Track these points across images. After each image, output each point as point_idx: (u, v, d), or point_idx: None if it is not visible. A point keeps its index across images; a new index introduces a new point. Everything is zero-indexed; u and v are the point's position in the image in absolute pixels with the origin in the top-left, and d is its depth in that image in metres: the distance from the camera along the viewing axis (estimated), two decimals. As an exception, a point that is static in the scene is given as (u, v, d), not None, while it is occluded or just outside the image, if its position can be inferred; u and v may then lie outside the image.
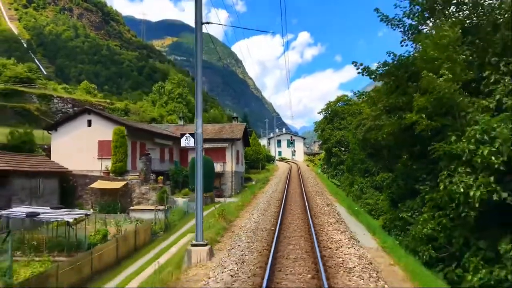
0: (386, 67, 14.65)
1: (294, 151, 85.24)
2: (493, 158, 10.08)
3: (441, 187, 11.73)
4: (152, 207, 23.87)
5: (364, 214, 19.93)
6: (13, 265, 13.17)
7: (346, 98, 44.99)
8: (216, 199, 29.34)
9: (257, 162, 54.05)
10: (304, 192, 25.57)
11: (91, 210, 19.37)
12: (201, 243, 11.48)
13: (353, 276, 8.57)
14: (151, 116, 58.90)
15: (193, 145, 12.75)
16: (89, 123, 28.36)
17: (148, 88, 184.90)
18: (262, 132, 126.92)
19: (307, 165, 66.45)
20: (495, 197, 9.90)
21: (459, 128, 12.10)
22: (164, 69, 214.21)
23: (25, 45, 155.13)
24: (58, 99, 53.65)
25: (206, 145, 33.86)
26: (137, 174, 27.18)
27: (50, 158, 27.90)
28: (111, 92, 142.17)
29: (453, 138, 11.71)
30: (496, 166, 10.00)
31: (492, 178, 10.13)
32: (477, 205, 10.05)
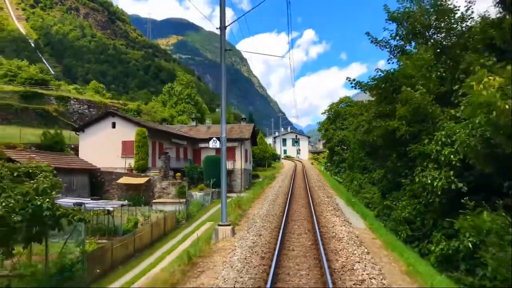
0: (375, 82, 17.85)
1: (299, 149, 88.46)
2: (452, 156, 13.24)
3: (416, 180, 14.92)
4: (172, 200, 27.21)
5: (360, 206, 23.13)
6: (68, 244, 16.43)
7: (348, 99, 48.09)
8: (228, 194, 32.58)
9: (263, 160, 57.37)
10: (308, 187, 28.81)
11: (126, 201, 22.68)
12: (226, 223, 14.75)
13: (341, 243, 11.82)
14: (162, 116, 62.26)
15: (219, 146, 15.97)
16: (113, 125, 31.74)
17: (154, 87, 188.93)
18: (267, 130, 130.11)
19: (312, 163, 69.65)
20: (453, 186, 13.08)
21: (431, 132, 15.25)
22: (169, 68, 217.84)
23: (32, 45, 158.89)
24: (75, 100, 57.13)
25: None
26: (158, 171, 30.54)
27: (78, 157, 31.33)
28: (118, 91, 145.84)
29: (426, 141, 14.89)
30: (453, 162, 13.17)
31: (451, 172, 13.30)
32: (439, 192, 13.25)
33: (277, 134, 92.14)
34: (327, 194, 25.44)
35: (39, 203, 9.69)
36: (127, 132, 31.17)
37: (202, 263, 11.18)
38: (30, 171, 11.27)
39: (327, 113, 47.43)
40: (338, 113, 45.91)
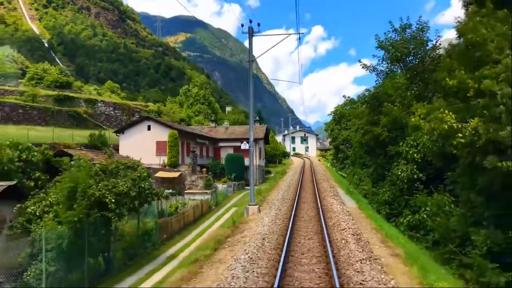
0: (365, 98, 23.64)
1: (307, 147, 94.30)
2: (415, 155, 19.03)
3: (393, 172, 20.73)
4: (201, 191, 33.26)
5: (357, 194, 28.94)
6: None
7: (352, 101, 53.73)
8: (246, 187, 38.66)
9: (275, 157, 63.34)
10: (314, 180, 34.67)
11: (171, 190, 28.77)
12: (254, 203, 20.71)
13: (335, 214, 17.74)
14: (180, 116, 68.37)
15: (247, 147, 21.85)
16: (149, 128, 37.88)
17: (164, 85, 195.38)
18: (277, 129, 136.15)
19: (319, 160, 75.47)
20: (415, 176, 18.89)
21: (405, 137, 21.03)
22: (179, 66, 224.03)
23: (46, 45, 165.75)
24: (101, 102, 63.47)
25: (236, 144, 43.27)
26: (187, 166, 36.61)
27: (120, 154, 37.48)
28: (130, 89, 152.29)
29: (400, 143, 20.67)
30: (416, 159, 18.96)
31: (415, 166, 19.11)
32: (405, 181, 19.06)
33: (286, 132, 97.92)
34: (330, 186, 31.33)
35: (142, 185, 15.73)
36: (160, 134, 37.26)
37: (242, 227, 17.15)
38: (130, 165, 17.31)
39: (333, 115, 53.16)
40: (343, 115, 51.58)
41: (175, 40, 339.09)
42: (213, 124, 52.25)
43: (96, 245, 13.76)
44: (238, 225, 17.32)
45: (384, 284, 8.75)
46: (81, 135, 40.30)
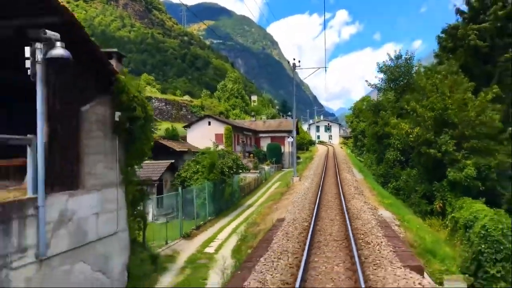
0: (368, 107, 36.37)
1: (331, 135, 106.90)
2: (398, 145, 31.81)
3: (386, 155, 33.58)
4: (252, 171, 46.61)
5: (366, 172, 41.79)
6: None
7: (369, 99, 65.98)
8: (281, 170, 51.99)
9: (302, 145, 76.37)
10: (336, 163, 47.63)
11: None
12: (296, 176, 33.95)
13: (347, 180, 30.92)
14: (219, 110, 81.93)
15: (291, 140, 34.98)
16: (209, 123, 51.39)
17: (191, 75, 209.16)
18: (302, 117, 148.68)
19: (341, 147, 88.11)
20: (398, 158, 31.74)
21: (393, 134, 33.73)
22: (204, 56, 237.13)
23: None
24: (155, 99, 77.51)
25: (272, 134, 56.51)
26: (238, 153, 50.07)
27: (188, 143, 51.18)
28: (158, 79, 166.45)
29: (391, 138, 33.39)
30: (399, 148, 31.77)
31: (398, 152, 31.92)
32: (392, 161, 31.92)
33: (311, 121, 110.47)
34: (348, 167, 44.34)
35: (238, 162, 29.20)
36: (218, 128, 50.73)
37: (291, 187, 30.45)
38: (227, 152, 30.79)
39: (351, 109, 65.71)
40: (360, 110, 63.95)
41: (198, 27, 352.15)
42: (253, 119, 65.57)
43: (220, 191, 27.26)
44: (289, 187, 30.64)
45: (363, 201, 21.78)
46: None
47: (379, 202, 21.99)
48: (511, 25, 28.44)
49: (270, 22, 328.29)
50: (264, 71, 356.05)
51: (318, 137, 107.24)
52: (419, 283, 8.70)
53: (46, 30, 7.41)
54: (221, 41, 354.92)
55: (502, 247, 15.33)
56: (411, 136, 25.17)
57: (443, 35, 32.47)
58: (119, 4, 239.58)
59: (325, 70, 73.43)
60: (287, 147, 58.20)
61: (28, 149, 7.68)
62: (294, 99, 35.13)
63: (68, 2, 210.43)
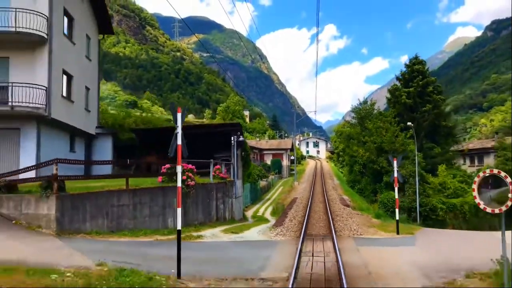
0: (343, 137, 57.66)
1: (319, 151, 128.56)
2: (360, 161, 53.23)
3: (353, 168, 54.93)
4: (264, 179, 67.43)
5: (343, 179, 63.02)
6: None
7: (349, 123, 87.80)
8: (281, 179, 72.99)
9: (296, 160, 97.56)
10: (322, 173, 68.85)
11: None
12: (296, 181, 55.01)
13: (329, 185, 52.13)
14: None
15: (293, 158, 56.33)
16: (228, 144, 72.11)
17: (184, 90, 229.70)
18: (288, 129, 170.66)
19: (327, 161, 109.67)
20: (361, 170, 53.13)
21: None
22: (197, 71, 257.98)
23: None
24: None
25: (274, 152, 77.77)
26: (250, 166, 70.91)
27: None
28: (153, 93, 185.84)
29: (356, 157, 54.80)
30: (360, 163, 53.20)
31: (360, 166, 53.30)
32: (357, 171, 53.29)
33: (301, 138, 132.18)
34: (330, 176, 65.63)
35: (261, 172, 50.17)
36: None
37: (294, 188, 51.48)
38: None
39: (335, 133, 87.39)
40: (341, 132, 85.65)
41: (188, 41, 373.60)
42: (258, 139, 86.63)
43: (253, 189, 47.95)
44: (292, 187, 51.59)
45: (336, 193, 42.77)
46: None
47: (344, 193, 43.20)
48: (426, 91, 50.17)
49: (259, 36, 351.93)
50: (254, 84, 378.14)
51: (308, 152, 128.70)
52: (346, 208, 29.70)
53: (238, 132, 28.22)
54: (210, 54, 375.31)
55: (389, 205, 36.12)
56: (364, 157, 46.30)
57: (390, 94, 54.35)
58: (114, 21, 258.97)
59: (315, 76, 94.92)
60: (285, 162, 79.34)
61: (222, 165, 28.38)
62: (294, 138, 56.36)
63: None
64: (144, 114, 61.09)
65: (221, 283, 9.41)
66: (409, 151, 43.73)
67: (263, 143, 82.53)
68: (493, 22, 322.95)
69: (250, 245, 15.33)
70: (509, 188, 8.96)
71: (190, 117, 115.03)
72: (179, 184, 10.08)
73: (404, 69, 55.10)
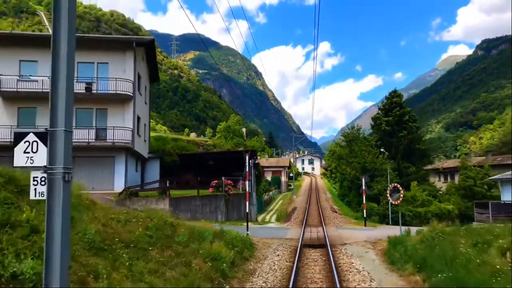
0: (335, 157, 68.84)
1: (313, 168, 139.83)
2: (348, 178, 64.46)
3: (343, 183, 66.12)
4: (266, 193, 78.38)
5: (334, 193, 74.12)
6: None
7: (340, 145, 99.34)
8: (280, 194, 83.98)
9: (293, 176, 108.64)
10: (317, 188, 79.90)
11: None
12: (294, 195, 66.04)
13: (322, 198, 63.20)
14: (226, 148, 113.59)
15: (292, 175, 67.57)
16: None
17: (182, 107, 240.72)
18: (283, 145, 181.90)
19: (321, 178, 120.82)
20: (349, 185, 64.33)
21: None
22: (194, 88, 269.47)
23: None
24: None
25: (273, 169, 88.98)
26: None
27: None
28: (152, 110, 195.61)
29: (345, 174, 66.10)
30: (349, 179, 64.45)
31: (349, 182, 64.53)
32: (346, 186, 64.47)
33: (297, 155, 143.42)
34: (324, 191, 76.72)
35: (266, 187, 61.32)
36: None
37: (293, 200, 62.46)
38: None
39: (328, 151, 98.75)
40: (334, 151, 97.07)
41: (184, 57, 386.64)
42: (258, 157, 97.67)
43: (260, 200, 58.83)
44: (291, 200, 62.55)
45: (327, 203, 53.77)
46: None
47: (334, 204, 54.26)
48: (402, 119, 61.75)
49: (255, 53, 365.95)
50: (249, 101, 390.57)
51: (303, 168, 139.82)
52: (334, 213, 40.65)
53: (254, 156, 39.23)
54: (206, 71, 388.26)
55: (368, 212, 47.32)
56: (351, 174, 57.46)
57: (373, 122, 66.08)
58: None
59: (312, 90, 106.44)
60: (284, 178, 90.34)
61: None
62: (293, 170, 67.43)
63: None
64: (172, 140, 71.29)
65: (268, 239, 20.46)
66: (384, 170, 55.02)
67: (264, 161, 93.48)
68: (483, 42, 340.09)
69: (275, 228, 26.49)
70: (401, 193, 20.25)
71: (192, 135, 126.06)
72: (247, 190, 21.12)
73: (397, 87, 67.76)
